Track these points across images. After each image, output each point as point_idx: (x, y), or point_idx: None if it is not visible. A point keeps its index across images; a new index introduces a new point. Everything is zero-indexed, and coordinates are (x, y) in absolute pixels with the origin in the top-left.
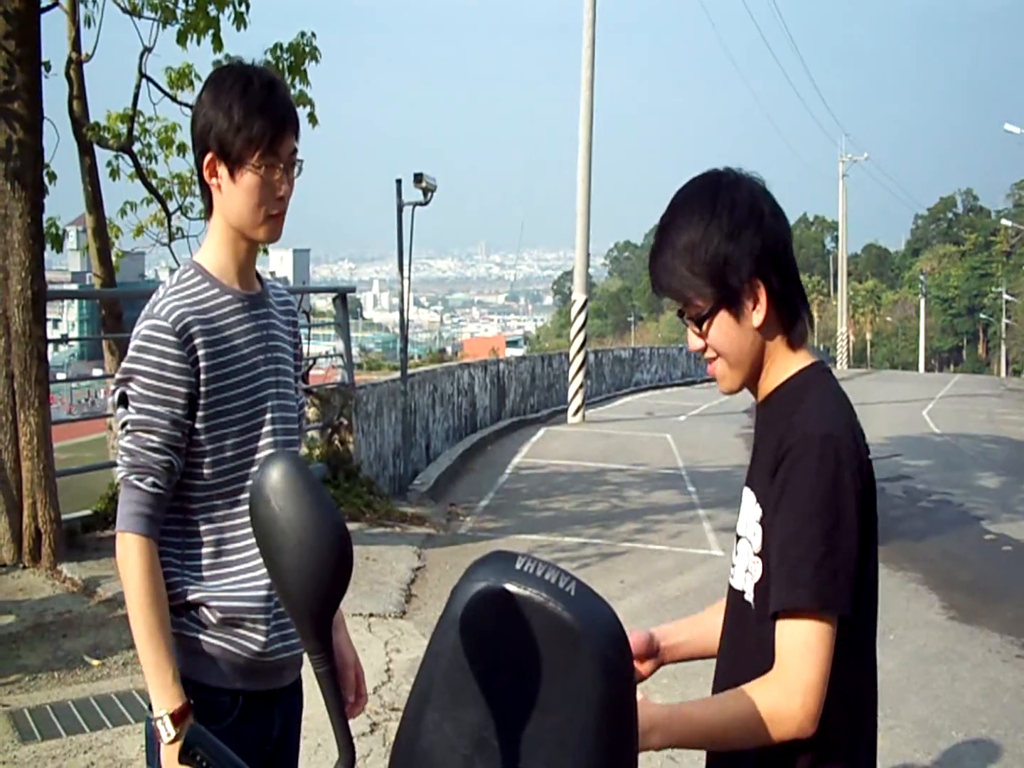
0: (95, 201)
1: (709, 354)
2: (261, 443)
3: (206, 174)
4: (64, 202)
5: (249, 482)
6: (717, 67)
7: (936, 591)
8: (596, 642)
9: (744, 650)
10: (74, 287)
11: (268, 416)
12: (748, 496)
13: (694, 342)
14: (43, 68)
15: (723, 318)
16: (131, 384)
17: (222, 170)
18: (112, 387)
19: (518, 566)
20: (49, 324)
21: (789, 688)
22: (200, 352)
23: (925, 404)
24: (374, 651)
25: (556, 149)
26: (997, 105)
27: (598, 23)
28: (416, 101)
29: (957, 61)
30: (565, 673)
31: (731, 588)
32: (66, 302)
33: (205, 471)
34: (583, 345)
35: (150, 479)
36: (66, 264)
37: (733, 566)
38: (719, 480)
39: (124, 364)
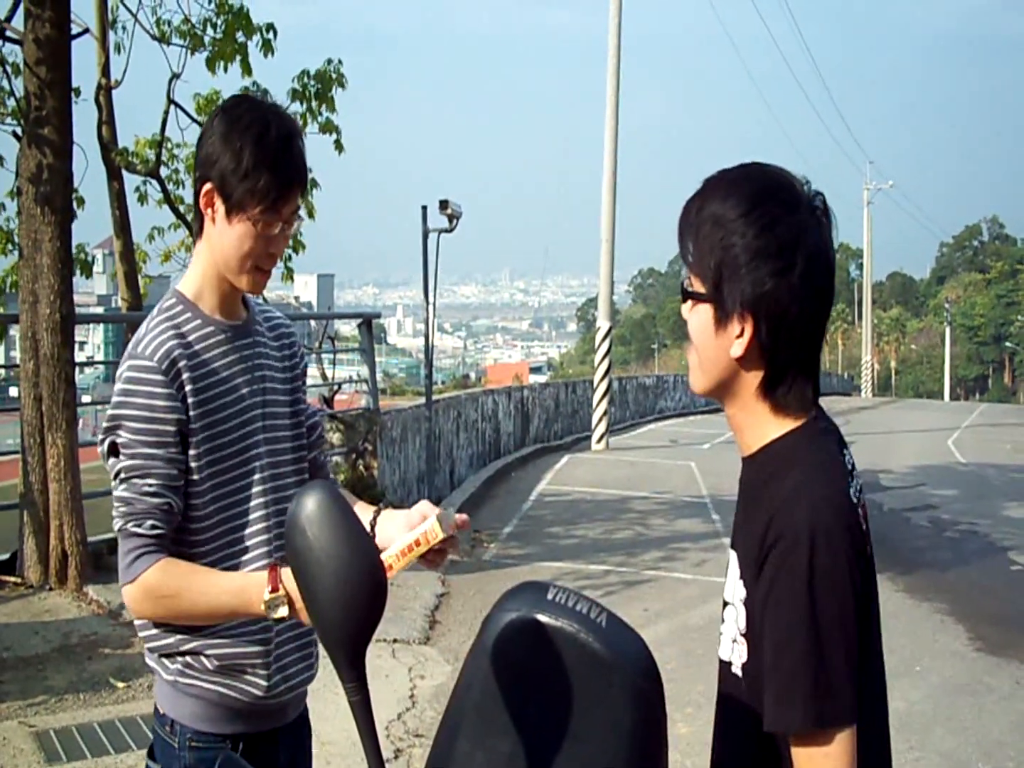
0: (123, 226)
1: (690, 332)
2: (252, 478)
3: (202, 202)
4: (92, 226)
5: (240, 521)
6: (740, 93)
7: (963, 622)
8: (627, 673)
9: (743, 727)
10: (100, 310)
11: (255, 452)
12: (733, 561)
13: (684, 310)
14: (73, 94)
15: (705, 313)
16: (120, 432)
17: (219, 205)
18: (100, 436)
19: (550, 596)
20: (75, 346)
21: None
22: (188, 388)
23: (950, 433)
24: (398, 677)
25: (581, 175)
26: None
27: (626, 49)
28: (441, 127)
29: (983, 88)
30: (596, 703)
31: (719, 657)
32: (92, 324)
33: (194, 513)
34: (607, 372)
35: (149, 522)
36: (92, 287)
37: (723, 622)
38: None
39: (110, 411)
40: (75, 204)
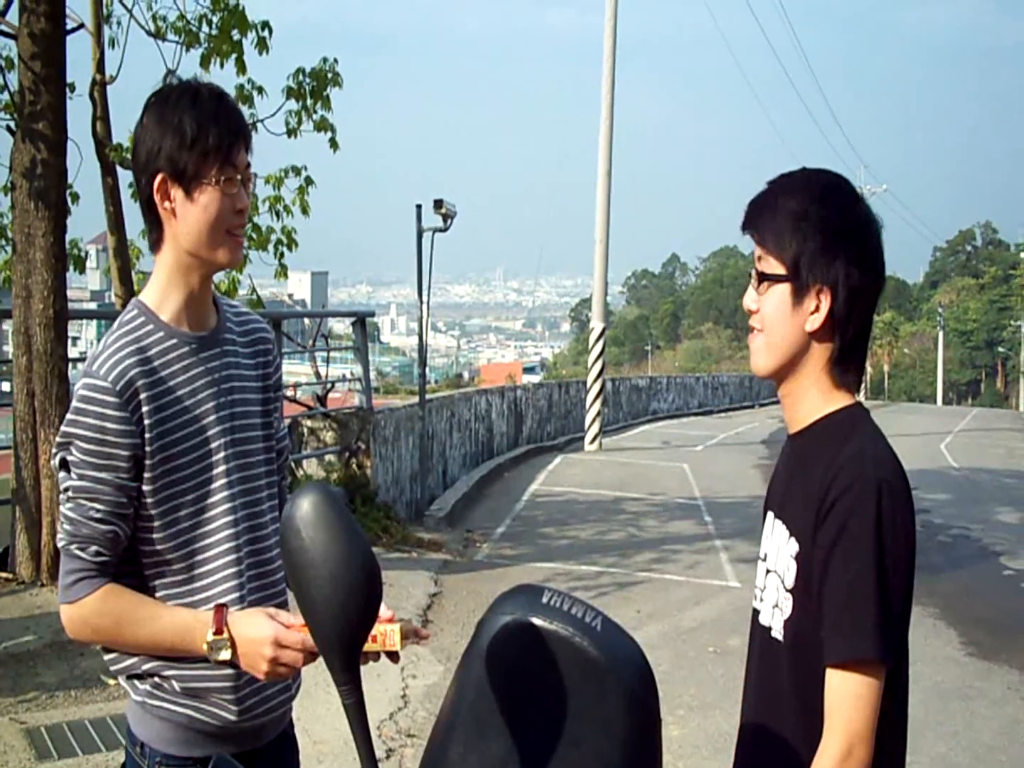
0: (117, 222)
1: (754, 322)
2: (213, 499)
3: (157, 198)
4: (86, 222)
5: (202, 543)
6: (736, 96)
7: (954, 627)
8: (622, 677)
9: (777, 691)
10: (93, 306)
11: (222, 469)
12: (779, 528)
13: (749, 300)
14: (68, 89)
15: (782, 293)
16: (71, 449)
17: (176, 192)
18: (54, 449)
19: (544, 600)
20: (69, 342)
21: (840, 745)
22: (144, 409)
23: (943, 437)
24: (390, 677)
25: (575, 176)
26: (1018, 138)
27: (622, 51)
28: (436, 125)
29: (978, 94)
30: (591, 707)
31: (757, 623)
32: (85, 320)
33: (155, 535)
34: (601, 373)
35: (93, 548)
36: (85, 282)
37: (760, 600)
38: (736, 511)
39: (63, 427)
40: (69, 200)
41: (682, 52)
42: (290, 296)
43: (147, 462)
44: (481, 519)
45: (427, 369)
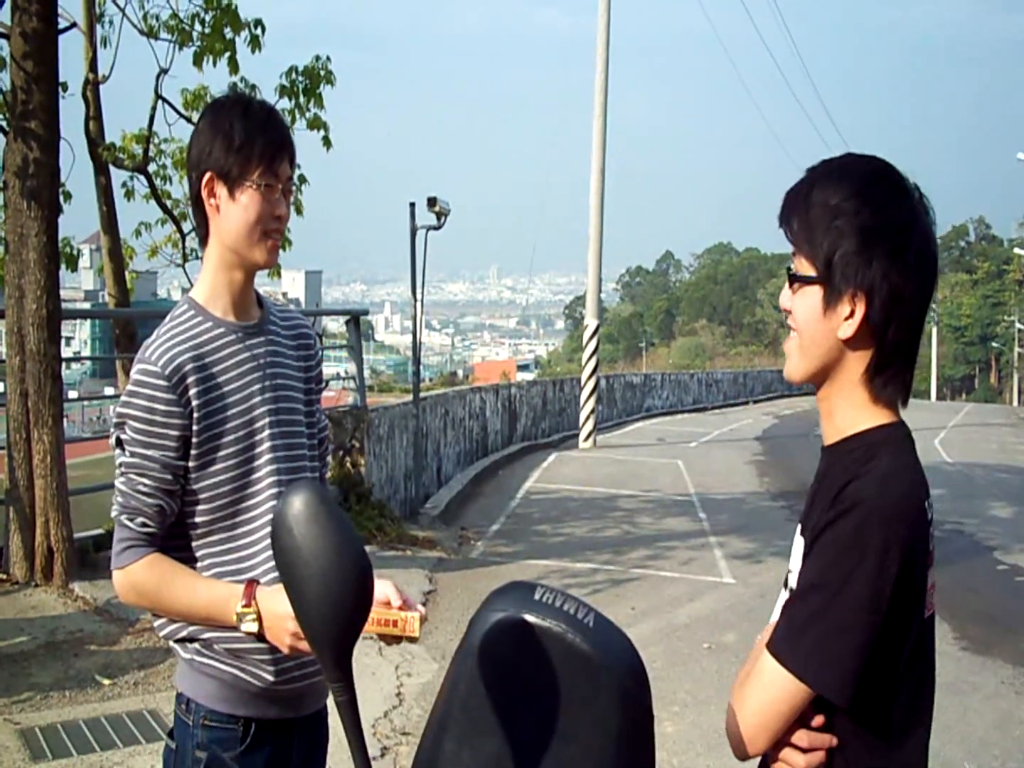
0: (110, 221)
1: (790, 322)
2: (257, 475)
3: (204, 194)
4: (78, 221)
5: (243, 517)
6: (732, 95)
7: (948, 621)
8: (615, 673)
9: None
10: (87, 305)
11: (267, 446)
12: (798, 545)
13: (783, 299)
14: (60, 88)
15: (813, 295)
16: (125, 428)
17: (221, 189)
18: (111, 429)
19: (537, 596)
20: (62, 342)
21: (741, 713)
22: (192, 392)
23: (937, 433)
24: (384, 675)
25: (569, 174)
26: (1011, 134)
27: (615, 50)
28: (430, 123)
29: (971, 91)
30: (584, 704)
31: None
32: (78, 320)
33: (199, 507)
34: (595, 370)
35: (140, 519)
36: (79, 282)
37: (771, 620)
38: (730, 507)
39: (118, 408)
40: (62, 199)
41: (677, 52)
42: (284, 295)
43: (194, 440)
44: (475, 517)
45: (421, 367)
